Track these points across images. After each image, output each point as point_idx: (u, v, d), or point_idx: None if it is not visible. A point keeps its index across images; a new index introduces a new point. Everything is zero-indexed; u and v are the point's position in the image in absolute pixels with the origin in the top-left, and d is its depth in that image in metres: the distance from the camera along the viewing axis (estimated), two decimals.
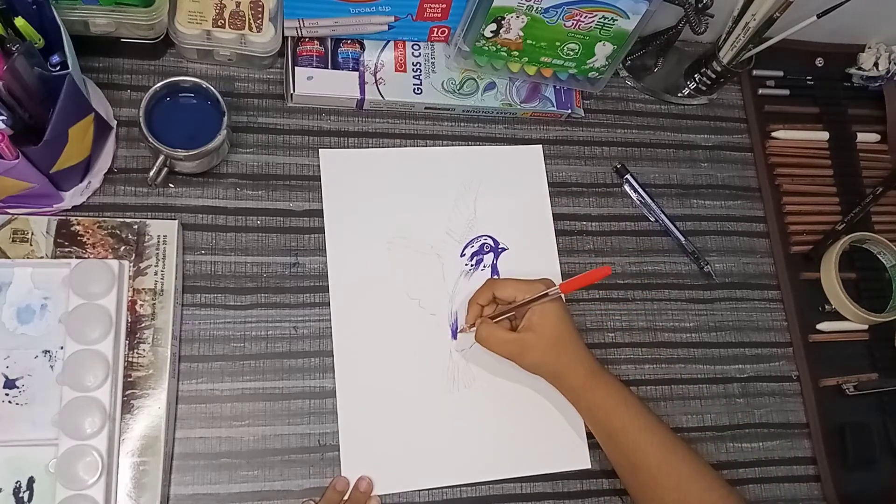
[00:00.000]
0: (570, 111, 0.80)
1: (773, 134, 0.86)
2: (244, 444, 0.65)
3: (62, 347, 0.60)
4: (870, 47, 0.90)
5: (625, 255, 0.79)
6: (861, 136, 0.89)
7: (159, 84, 0.65)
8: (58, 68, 0.57)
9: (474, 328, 0.68)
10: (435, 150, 0.77)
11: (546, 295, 0.64)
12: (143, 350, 0.62)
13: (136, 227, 0.65)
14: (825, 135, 0.87)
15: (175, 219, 0.67)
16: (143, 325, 0.63)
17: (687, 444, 0.64)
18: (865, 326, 0.81)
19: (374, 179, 0.74)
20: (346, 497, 0.64)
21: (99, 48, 0.69)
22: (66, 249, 0.63)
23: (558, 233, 0.77)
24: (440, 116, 0.78)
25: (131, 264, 0.64)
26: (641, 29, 0.72)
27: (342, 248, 0.71)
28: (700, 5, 0.75)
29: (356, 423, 0.67)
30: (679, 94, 0.85)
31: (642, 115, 0.84)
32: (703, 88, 0.84)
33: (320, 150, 0.74)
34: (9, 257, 0.62)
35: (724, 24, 0.79)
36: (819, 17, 0.74)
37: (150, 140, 0.63)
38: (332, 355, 0.68)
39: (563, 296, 0.65)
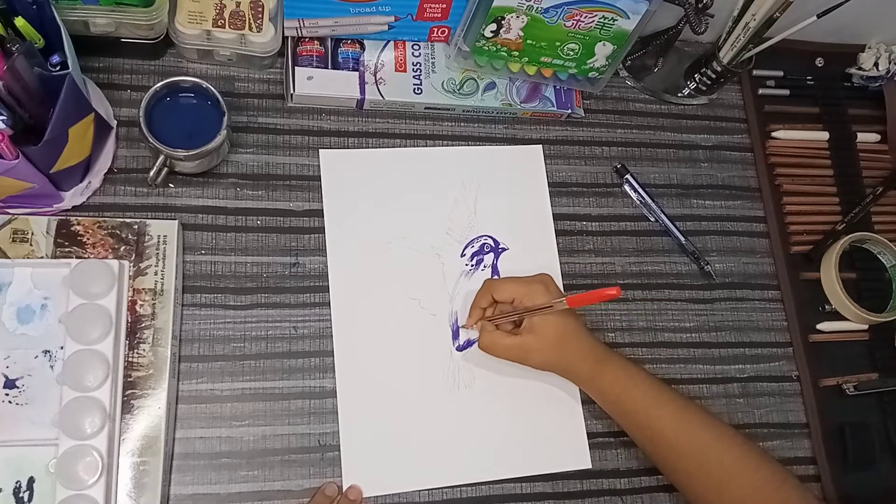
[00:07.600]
0: (570, 111, 0.80)
1: (774, 134, 0.86)
2: (244, 444, 0.65)
3: (62, 347, 0.60)
4: (870, 47, 0.90)
5: (625, 255, 0.79)
6: (861, 136, 0.89)
7: (159, 84, 0.65)
8: (58, 68, 0.56)
9: (475, 327, 0.69)
10: (435, 151, 0.77)
11: (551, 307, 0.64)
12: (143, 350, 0.62)
13: (136, 227, 0.65)
14: (825, 135, 0.87)
15: (175, 219, 0.67)
16: (143, 325, 0.63)
17: (702, 408, 0.66)
18: (865, 326, 0.81)
19: (375, 179, 0.74)
20: (334, 502, 0.64)
21: (99, 48, 0.69)
22: (66, 249, 0.63)
23: (558, 233, 0.77)
24: (440, 116, 0.78)
25: (131, 264, 0.64)
26: (641, 29, 0.72)
27: (342, 248, 0.71)
28: (700, 5, 0.75)
29: (356, 423, 0.67)
30: (679, 94, 0.85)
31: (642, 115, 0.84)
32: (703, 88, 0.84)
33: (320, 150, 0.74)
34: (9, 257, 0.62)
35: (724, 24, 0.79)
36: (819, 17, 0.74)
37: (150, 140, 0.63)
38: (332, 355, 0.68)
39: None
